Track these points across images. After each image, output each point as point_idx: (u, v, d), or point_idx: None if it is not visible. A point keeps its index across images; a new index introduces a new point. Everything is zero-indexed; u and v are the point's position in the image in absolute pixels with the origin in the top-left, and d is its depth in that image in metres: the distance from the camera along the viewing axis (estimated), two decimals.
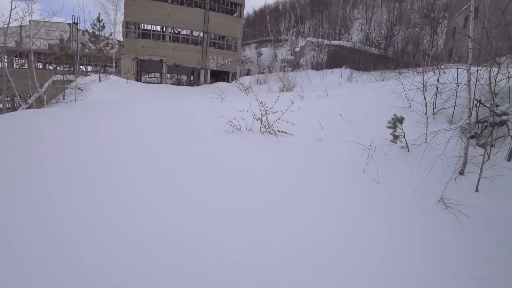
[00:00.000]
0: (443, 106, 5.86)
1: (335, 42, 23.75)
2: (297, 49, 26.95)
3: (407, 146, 5.17)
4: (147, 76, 28.17)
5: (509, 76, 5.15)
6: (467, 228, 3.63)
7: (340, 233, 3.60)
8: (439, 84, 6.08)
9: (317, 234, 3.54)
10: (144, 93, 13.94)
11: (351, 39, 27.84)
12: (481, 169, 4.15)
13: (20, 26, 17.54)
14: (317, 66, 21.98)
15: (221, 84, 18.18)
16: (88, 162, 4.62)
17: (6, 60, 15.03)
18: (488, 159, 4.47)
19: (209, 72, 24.31)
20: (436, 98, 6.05)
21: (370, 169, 4.82)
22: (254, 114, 6.32)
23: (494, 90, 5.10)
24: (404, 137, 5.07)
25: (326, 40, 24.52)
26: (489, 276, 3.01)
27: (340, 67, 19.29)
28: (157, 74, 27.63)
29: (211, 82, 23.28)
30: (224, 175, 4.65)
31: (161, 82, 23.19)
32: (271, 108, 6.25)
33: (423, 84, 5.85)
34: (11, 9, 9.58)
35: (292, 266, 2.99)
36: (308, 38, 26.60)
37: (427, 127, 5.23)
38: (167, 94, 14.25)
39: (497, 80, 5.06)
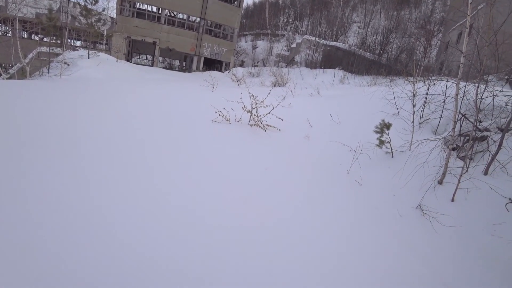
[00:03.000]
0: (430, 116, 6.00)
1: (331, 43, 23.80)
2: (293, 45, 26.88)
3: (392, 152, 5.28)
4: (138, 57, 27.42)
5: (494, 94, 5.32)
6: (441, 235, 3.77)
7: (315, 229, 3.63)
8: (428, 95, 6.21)
9: (292, 228, 3.56)
10: (133, 74, 13.56)
11: (347, 42, 28.00)
12: (459, 180, 4.30)
13: None
14: (311, 65, 22.01)
15: (214, 73, 17.93)
16: (56, 141, 4.41)
17: None
18: (467, 171, 4.62)
19: (202, 59, 23.90)
20: (424, 108, 6.18)
21: (354, 170, 4.90)
22: (244, 106, 6.27)
23: (479, 106, 5.27)
24: (389, 142, 5.17)
25: (323, 40, 24.55)
26: (456, 281, 3.17)
27: (334, 68, 19.38)
28: (149, 56, 26.95)
29: (204, 70, 22.91)
30: (207, 165, 4.59)
31: (152, 65, 22.61)
32: (262, 102, 6.22)
33: (413, 93, 5.97)
34: None
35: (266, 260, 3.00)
36: (305, 36, 26.55)
37: (412, 135, 5.35)
38: (157, 77, 13.93)
39: (483, 97, 5.23)
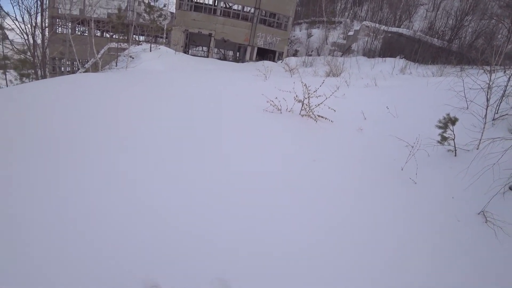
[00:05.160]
0: (508, 112, 5.26)
1: (393, 29, 21.98)
2: (351, 33, 25.47)
3: (455, 150, 4.79)
4: (194, 49, 28.69)
5: None
6: (506, 245, 3.36)
7: (363, 229, 3.51)
8: (508, 87, 5.44)
9: (336, 221, 3.53)
10: (190, 65, 14.32)
11: (412, 27, 25.57)
12: None
13: None
14: (369, 53, 20.63)
15: (267, 63, 17.96)
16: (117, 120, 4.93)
17: (70, 27, 16.27)
18: None
19: (255, 49, 24.07)
20: (501, 102, 5.44)
21: (409, 168, 4.58)
22: (296, 96, 6.24)
23: None
24: (453, 139, 4.69)
25: (384, 26, 22.79)
26: None
27: (395, 57, 17.92)
28: (204, 48, 28.04)
29: (257, 60, 23.08)
30: (257, 151, 4.73)
31: (207, 56, 23.53)
32: (314, 92, 6.12)
33: (488, 84, 5.26)
34: None
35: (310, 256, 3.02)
36: (363, 22, 24.93)
37: (482, 133, 4.77)
38: (211, 68, 14.50)
39: None
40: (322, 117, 6.01)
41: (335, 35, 27.06)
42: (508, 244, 3.36)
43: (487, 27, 19.76)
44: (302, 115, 6.19)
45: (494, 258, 3.26)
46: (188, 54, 22.48)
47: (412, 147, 4.74)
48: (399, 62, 16.28)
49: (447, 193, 4.22)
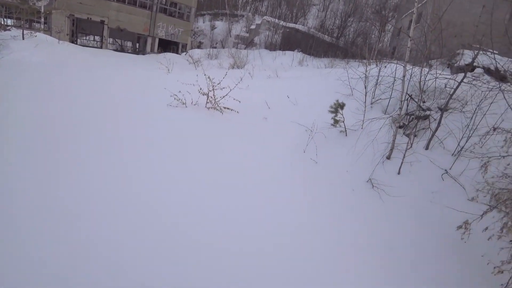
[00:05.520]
0: (380, 97, 6.33)
1: (291, 25, 23.81)
2: (253, 26, 26.42)
3: (346, 131, 5.53)
4: (84, 38, 25.03)
5: (436, 77, 5.73)
6: (388, 204, 4.15)
7: (275, 204, 3.85)
8: (379, 76, 6.50)
9: (254, 203, 3.76)
10: (79, 57, 12.35)
11: (306, 24, 28.21)
12: (404, 155, 4.65)
13: None
14: (271, 47, 21.87)
15: (169, 55, 17.01)
16: None
17: None
18: (411, 147, 5.00)
19: (157, 40, 22.54)
20: (375, 89, 6.48)
21: (310, 149, 5.07)
22: (200, 89, 6.06)
23: (423, 88, 5.66)
24: (343, 122, 5.39)
25: (283, 22, 24.45)
26: (399, 241, 3.63)
27: (293, 50, 19.47)
28: (97, 38, 24.76)
29: (159, 52, 21.65)
30: (164, 147, 4.46)
31: (101, 47, 20.81)
32: (218, 84, 6.06)
33: (365, 74, 6.21)
34: None
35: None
36: (264, 17, 26.22)
37: (364, 115, 5.62)
38: (107, 60, 12.82)
39: (426, 79, 5.62)
40: (228, 108, 6.02)
41: (238, 28, 27.62)
42: (388, 202, 4.18)
43: (364, 28, 23.39)
44: (208, 108, 6.08)
45: (379, 214, 4.02)
46: (76, 44, 19.38)
47: (311, 131, 5.24)
48: (297, 55, 17.76)
49: (343, 167, 4.87)
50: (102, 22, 19.84)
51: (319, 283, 2.93)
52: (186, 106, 5.99)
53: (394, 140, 4.88)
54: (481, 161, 3.83)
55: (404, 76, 4.92)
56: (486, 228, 3.14)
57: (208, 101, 6.10)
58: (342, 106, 5.24)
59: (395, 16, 27.69)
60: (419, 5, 4.49)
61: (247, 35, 26.63)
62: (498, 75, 7.15)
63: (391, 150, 4.92)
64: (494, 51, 8.25)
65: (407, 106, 5.69)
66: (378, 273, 3.18)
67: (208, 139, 5.06)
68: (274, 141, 5.33)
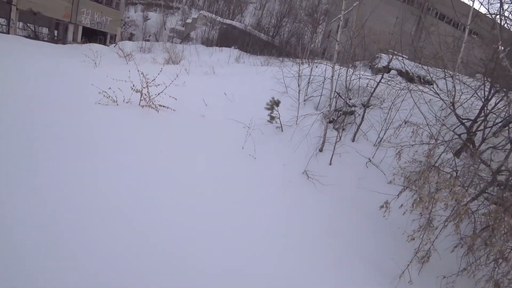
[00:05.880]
0: (312, 94, 6.79)
1: (228, 21, 23.79)
2: (189, 20, 25.68)
3: (281, 127, 5.80)
4: None
5: (359, 77, 6.40)
6: (322, 193, 4.52)
7: (213, 200, 3.86)
8: (311, 76, 6.96)
9: (198, 201, 3.69)
10: None
11: (243, 21, 28.51)
12: (334, 147, 5.10)
13: None
14: (208, 42, 21.57)
15: (96, 46, 15.42)
16: None
17: None
18: (340, 139, 5.49)
19: (80, 29, 20.26)
20: (307, 87, 6.92)
21: (249, 146, 5.16)
22: (133, 86, 5.64)
23: (349, 87, 6.27)
24: (279, 118, 5.64)
25: (220, 17, 24.27)
26: (334, 223, 4.02)
27: (230, 47, 19.52)
28: (2, 20, 21.14)
29: (83, 42, 19.49)
30: (95, 148, 4.06)
31: (8, 32, 17.81)
32: (153, 80, 5.73)
33: (298, 73, 6.58)
34: None
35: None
36: (201, 11, 25.67)
37: (298, 111, 5.97)
38: (15, 49, 11.04)
39: (351, 79, 6.24)
40: (164, 106, 5.74)
41: (174, 21, 26.56)
42: (321, 191, 4.54)
43: (298, 29, 24.66)
44: (143, 106, 5.71)
45: (315, 202, 4.35)
46: None
47: (249, 127, 5.35)
48: (234, 52, 17.83)
49: (280, 161, 5.10)
50: (9, 2, 16.94)
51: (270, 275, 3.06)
52: (117, 104, 5.52)
53: (325, 134, 5.31)
54: (396, 149, 4.43)
55: (332, 76, 5.36)
56: (402, 205, 3.71)
57: (142, 98, 5.73)
58: (277, 103, 5.47)
59: (326, 19, 29.85)
60: (345, 12, 4.96)
61: (183, 29, 25.78)
62: (408, 77, 8.30)
63: (323, 143, 5.34)
64: (404, 56, 9.48)
65: (336, 103, 6.23)
66: (321, 255, 3.51)
67: (143, 139, 4.76)
68: (212, 139, 5.29)
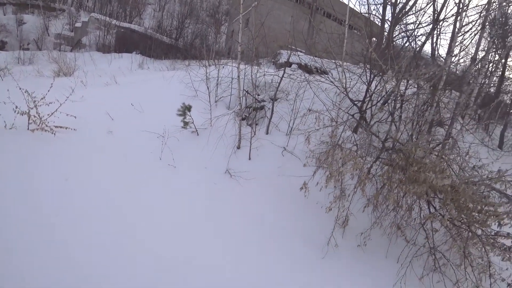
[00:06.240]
0: (222, 95, 6.98)
1: (125, 24, 22.07)
2: (78, 24, 22.85)
3: (196, 131, 5.83)
4: None
5: (264, 74, 6.86)
6: (246, 187, 4.78)
7: (135, 217, 3.75)
8: (219, 77, 7.12)
9: (120, 233, 3.44)
10: None
11: (143, 24, 26.88)
12: (251, 142, 5.41)
13: None
14: (104, 49, 19.58)
15: None
16: None
17: None
18: (254, 134, 5.84)
19: None
20: (217, 88, 7.06)
21: (166, 155, 5.03)
22: (16, 107, 4.78)
23: (256, 84, 6.67)
24: (193, 122, 5.66)
25: (115, 20, 22.31)
26: (261, 210, 4.38)
27: (131, 52, 18.13)
28: None
29: None
30: None
31: None
32: (42, 99, 4.97)
33: (206, 76, 6.68)
34: None
35: None
36: (92, 14, 23.12)
37: (211, 113, 6.09)
38: None
39: (257, 77, 6.65)
40: (61, 127, 5.06)
41: (59, 26, 23.27)
42: (245, 186, 4.80)
43: (201, 30, 24.52)
44: (33, 130, 4.91)
45: (240, 197, 4.60)
46: None
47: (163, 136, 5.20)
48: (136, 57, 16.62)
49: (201, 165, 5.12)
50: None
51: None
52: None
53: (240, 132, 5.57)
54: (305, 135, 4.96)
55: (238, 76, 5.62)
56: (317, 183, 4.28)
57: (31, 121, 4.92)
58: (189, 108, 5.47)
59: (228, 20, 30.50)
60: (242, 14, 5.29)
61: (72, 34, 22.87)
62: (307, 69, 9.27)
63: (239, 140, 5.60)
64: (302, 51, 10.50)
65: (246, 100, 6.57)
66: (258, 242, 3.85)
67: (40, 168, 4.15)
68: (125, 154, 4.93)
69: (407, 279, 3.47)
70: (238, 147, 5.59)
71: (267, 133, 6.16)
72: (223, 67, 7.51)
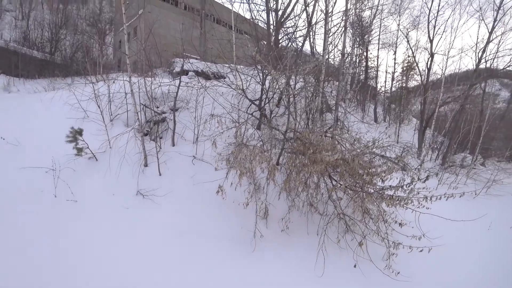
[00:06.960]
0: (118, 112, 6.44)
1: None
2: None
3: (94, 156, 5.24)
4: None
5: (160, 85, 6.65)
6: (161, 204, 4.61)
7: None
8: (110, 93, 6.55)
9: None
10: None
11: (2, 36, 22.26)
12: (158, 157, 5.22)
13: None
14: None
15: None
16: None
17: None
18: (160, 148, 5.65)
19: None
20: (110, 106, 6.48)
21: (62, 191, 4.40)
22: None
23: (152, 96, 6.42)
24: (88, 147, 5.07)
25: None
26: (187, 228, 4.26)
27: None
28: None
29: None
30: None
31: None
32: None
33: (95, 94, 6.07)
34: None
35: None
36: None
37: (107, 134, 5.57)
38: None
39: (153, 88, 6.40)
40: None
41: None
42: (160, 203, 4.62)
43: (82, 41, 21.78)
44: None
45: (157, 217, 4.37)
46: None
47: (54, 170, 4.52)
48: None
49: (107, 192, 4.65)
50: None
51: None
52: None
53: (144, 148, 5.29)
54: (211, 140, 5.09)
55: (131, 90, 5.32)
56: (231, 184, 4.49)
57: None
58: (80, 132, 4.90)
59: (113, 29, 27.97)
60: (126, 24, 4.94)
61: None
62: (204, 75, 9.39)
63: (145, 158, 5.32)
64: (197, 58, 10.55)
65: (145, 114, 6.26)
66: (192, 252, 3.84)
67: None
68: (5, 199, 4.12)
69: (327, 246, 3.97)
70: (146, 165, 5.32)
71: (173, 144, 6.04)
72: (114, 82, 6.97)
